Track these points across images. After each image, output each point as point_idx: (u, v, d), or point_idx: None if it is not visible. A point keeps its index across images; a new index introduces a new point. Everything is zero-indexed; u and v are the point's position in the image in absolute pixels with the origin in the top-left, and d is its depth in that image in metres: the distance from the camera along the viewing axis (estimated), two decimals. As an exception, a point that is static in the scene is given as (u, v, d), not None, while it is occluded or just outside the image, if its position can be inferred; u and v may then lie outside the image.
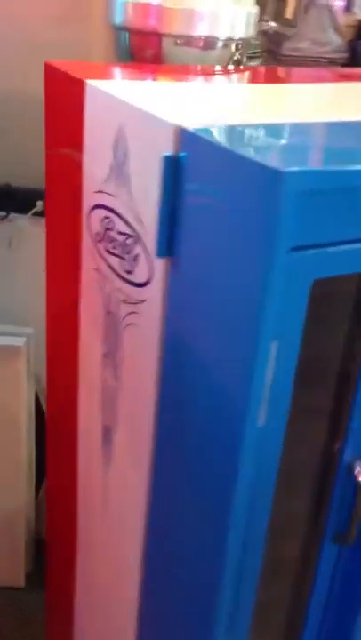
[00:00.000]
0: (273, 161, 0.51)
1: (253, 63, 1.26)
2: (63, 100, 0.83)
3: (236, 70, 1.03)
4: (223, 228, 0.57)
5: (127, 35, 1.04)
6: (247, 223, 0.54)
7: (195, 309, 0.64)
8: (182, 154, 0.60)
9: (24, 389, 1.46)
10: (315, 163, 0.55)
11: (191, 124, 0.60)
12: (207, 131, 0.59)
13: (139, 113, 0.66)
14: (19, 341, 1.42)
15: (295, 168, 0.49)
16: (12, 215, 1.43)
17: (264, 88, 0.97)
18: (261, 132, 0.62)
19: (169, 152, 0.61)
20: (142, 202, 0.68)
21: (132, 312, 0.73)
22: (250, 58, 1.18)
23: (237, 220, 0.55)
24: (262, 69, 1.20)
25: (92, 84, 0.75)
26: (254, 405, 0.58)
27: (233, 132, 0.61)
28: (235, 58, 1.06)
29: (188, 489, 0.71)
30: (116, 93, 0.72)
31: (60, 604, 1.14)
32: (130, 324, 0.74)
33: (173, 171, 0.61)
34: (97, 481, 0.92)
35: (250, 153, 0.53)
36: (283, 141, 0.61)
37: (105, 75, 0.87)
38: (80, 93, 0.77)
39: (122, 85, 0.78)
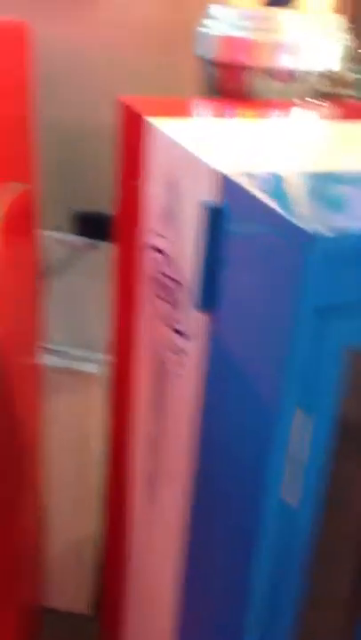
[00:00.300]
0: (306, 219, 0.46)
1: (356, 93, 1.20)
2: (129, 135, 0.82)
3: (322, 105, 0.98)
4: (258, 285, 0.53)
5: (213, 67, 1.02)
6: (277, 282, 0.49)
7: (231, 368, 0.60)
8: (224, 203, 0.56)
9: (98, 416, 1.45)
10: (355, 222, 0.50)
11: (235, 171, 0.56)
12: (250, 179, 0.55)
13: (187, 155, 0.63)
14: (92, 368, 1.41)
15: (325, 231, 0.44)
16: (101, 243, 1.44)
17: (345, 127, 0.91)
18: (311, 183, 0.57)
19: (211, 200, 0.58)
20: (188, 249, 0.65)
21: (177, 362, 0.70)
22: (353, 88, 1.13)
23: (270, 277, 0.51)
24: (356, 104, 1.14)
25: (152, 121, 0.73)
26: (275, 474, 0.53)
27: (279, 181, 0.56)
28: (323, 90, 1.02)
29: (216, 548, 0.66)
30: (172, 133, 0.69)
31: (113, 634, 1.13)
32: (174, 373, 0.71)
33: (214, 221, 0.57)
34: (144, 519, 0.89)
35: (284, 208, 0.48)
36: (331, 195, 0.56)
37: (174, 111, 0.84)
38: (141, 130, 0.75)
39: (184, 124, 0.75)
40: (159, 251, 0.72)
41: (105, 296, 1.48)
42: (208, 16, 1.02)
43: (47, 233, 1.42)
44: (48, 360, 1.46)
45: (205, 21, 1.01)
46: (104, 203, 1.38)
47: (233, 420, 0.61)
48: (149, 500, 0.86)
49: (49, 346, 1.49)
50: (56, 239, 1.43)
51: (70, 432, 1.50)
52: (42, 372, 1.41)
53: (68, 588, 1.59)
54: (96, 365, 1.44)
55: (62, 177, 1.37)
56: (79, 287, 1.48)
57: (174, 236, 0.68)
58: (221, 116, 0.89)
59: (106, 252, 1.44)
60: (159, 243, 0.72)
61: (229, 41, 0.99)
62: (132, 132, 0.78)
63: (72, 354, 1.48)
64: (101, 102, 1.24)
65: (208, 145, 0.66)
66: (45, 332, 1.50)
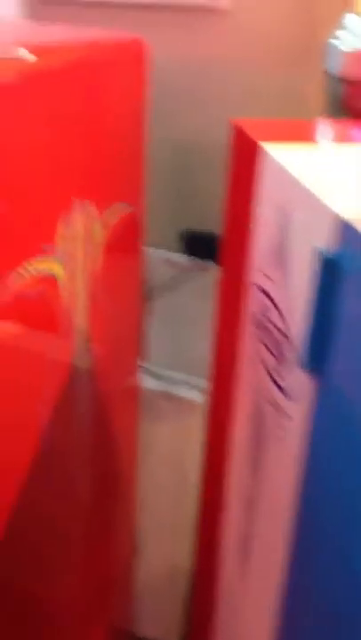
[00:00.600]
0: None
1: None
2: (241, 161, 0.74)
3: None
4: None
5: (341, 84, 0.93)
6: None
7: (343, 440, 0.51)
8: (340, 251, 0.48)
9: (197, 445, 1.39)
10: None
11: (358, 214, 0.47)
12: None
13: (302, 191, 0.55)
14: (194, 394, 1.35)
15: None
16: (210, 264, 1.37)
17: None
18: None
19: (327, 246, 0.49)
20: (297, 299, 0.56)
21: (277, 422, 0.62)
22: None
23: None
24: None
25: (267, 148, 0.65)
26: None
27: None
28: None
29: (314, 628, 0.57)
30: (289, 162, 0.61)
31: None
32: (274, 434, 0.63)
33: (329, 272, 0.49)
34: (235, 575, 0.82)
35: None
36: None
37: (294, 135, 0.76)
38: (255, 157, 0.68)
39: (304, 151, 0.67)
40: (265, 293, 0.64)
41: (211, 319, 1.41)
42: (341, 28, 0.93)
43: (155, 252, 1.37)
44: (148, 383, 1.41)
45: (338, 34, 0.92)
46: (216, 223, 1.31)
47: (341, 498, 0.52)
48: (241, 560, 0.79)
49: (150, 368, 1.44)
50: (164, 258, 1.38)
51: (167, 458, 1.44)
52: (141, 394, 1.36)
53: (159, 617, 1.53)
54: (198, 392, 1.37)
55: (174, 195, 1.32)
56: (185, 308, 1.42)
57: (283, 281, 0.60)
58: (349, 140, 0.80)
59: (215, 274, 1.38)
60: (266, 284, 0.64)
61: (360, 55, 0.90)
62: (245, 158, 0.70)
63: (174, 378, 1.43)
64: (217, 119, 1.17)
65: (329, 178, 0.58)
66: (147, 354, 1.45)
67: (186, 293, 1.39)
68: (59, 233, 0.86)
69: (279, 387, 0.61)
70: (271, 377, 0.63)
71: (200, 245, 1.37)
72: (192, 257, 1.38)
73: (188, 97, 1.16)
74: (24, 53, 0.76)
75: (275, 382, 0.62)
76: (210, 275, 1.36)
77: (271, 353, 0.63)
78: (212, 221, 1.29)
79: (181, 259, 1.38)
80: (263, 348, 0.65)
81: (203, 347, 1.42)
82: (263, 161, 0.65)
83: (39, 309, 0.85)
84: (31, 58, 0.76)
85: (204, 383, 1.38)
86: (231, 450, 0.81)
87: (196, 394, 1.36)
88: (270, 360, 0.63)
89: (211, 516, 0.93)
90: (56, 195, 0.85)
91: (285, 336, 0.59)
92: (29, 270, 0.80)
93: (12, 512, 0.85)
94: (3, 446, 0.80)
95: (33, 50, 0.76)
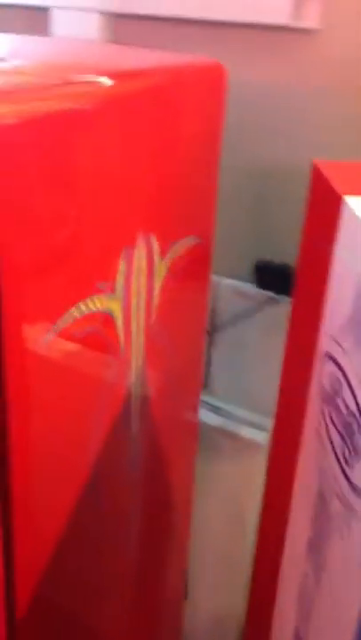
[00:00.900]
0: None
1: None
2: (322, 211, 0.67)
3: None
4: None
5: None
6: None
7: None
8: None
9: (257, 489, 1.31)
10: None
11: None
12: None
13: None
14: (256, 434, 1.28)
15: None
16: (282, 298, 1.30)
17: None
18: None
19: None
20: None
21: (343, 518, 0.54)
22: None
23: None
24: None
25: (351, 203, 0.58)
26: None
27: None
28: None
29: None
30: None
31: None
32: (338, 530, 0.55)
33: None
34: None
35: None
36: None
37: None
38: (336, 211, 0.60)
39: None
40: (338, 365, 0.57)
41: (279, 356, 1.33)
42: None
43: (224, 281, 1.30)
44: (209, 418, 1.34)
45: None
46: (290, 255, 1.23)
47: None
48: (297, 631, 0.71)
49: (212, 402, 1.37)
50: (233, 289, 1.31)
51: (224, 499, 1.38)
52: (201, 430, 1.30)
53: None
54: (262, 432, 1.30)
55: (248, 225, 1.25)
56: (253, 342, 1.35)
57: (358, 358, 0.52)
58: None
59: (286, 308, 1.30)
60: (339, 356, 0.56)
61: None
62: (325, 207, 0.63)
63: (237, 415, 1.36)
64: (297, 148, 1.10)
65: None
66: (210, 388, 1.39)
67: (255, 326, 1.32)
68: (119, 270, 0.81)
69: (347, 477, 0.53)
70: (339, 462, 0.55)
71: (273, 277, 1.30)
72: (264, 289, 1.30)
73: (267, 124, 1.09)
74: (101, 78, 0.72)
75: (343, 470, 0.54)
76: (281, 308, 1.29)
77: (340, 435, 0.55)
78: (287, 253, 1.21)
79: (252, 290, 1.31)
80: (332, 427, 0.57)
81: (270, 384, 1.34)
82: (345, 217, 0.57)
83: (93, 346, 0.80)
84: (108, 82, 0.72)
85: (270, 423, 1.30)
86: (290, 521, 0.74)
87: (259, 434, 1.29)
88: (338, 443, 0.56)
89: (267, 572, 0.86)
90: (120, 230, 0.80)
91: (356, 419, 0.51)
92: (83, 310, 0.76)
93: (60, 541, 0.80)
94: (55, 481, 0.76)
95: (109, 73, 0.72)
